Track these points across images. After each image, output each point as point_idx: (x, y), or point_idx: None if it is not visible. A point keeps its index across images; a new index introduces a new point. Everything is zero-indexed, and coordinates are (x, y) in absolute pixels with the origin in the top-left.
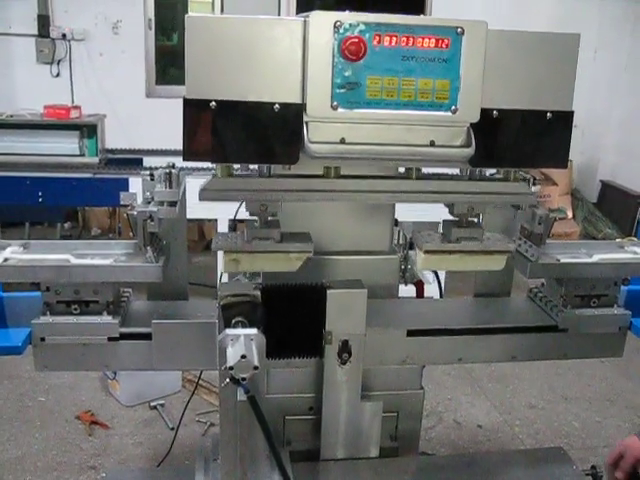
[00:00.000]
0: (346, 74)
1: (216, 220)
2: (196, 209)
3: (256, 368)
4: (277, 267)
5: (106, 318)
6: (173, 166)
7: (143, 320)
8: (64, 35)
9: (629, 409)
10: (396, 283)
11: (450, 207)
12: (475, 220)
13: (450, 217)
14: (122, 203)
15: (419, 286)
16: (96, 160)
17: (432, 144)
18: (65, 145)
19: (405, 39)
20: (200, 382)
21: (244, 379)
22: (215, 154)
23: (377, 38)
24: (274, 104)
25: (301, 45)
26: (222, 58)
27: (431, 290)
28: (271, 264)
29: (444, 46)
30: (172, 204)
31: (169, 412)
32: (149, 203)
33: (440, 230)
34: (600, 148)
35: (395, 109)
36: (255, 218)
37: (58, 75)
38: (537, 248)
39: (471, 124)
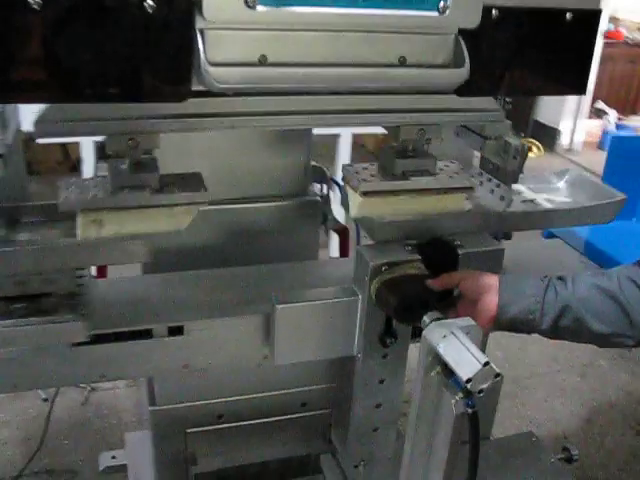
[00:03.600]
0: None
1: (78, 143)
2: None
3: (497, 376)
4: (157, 227)
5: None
6: None
7: None
8: None
9: None
10: (316, 233)
11: (393, 131)
12: (425, 148)
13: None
14: None
15: (343, 234)
16: None
17: (402, 63)
18: None
19: None
20: None
21: (481, 391)
22: (46, 89)
23: None
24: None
25: None
26: None
27: None
28: (148, 224)
29: None
30: None
31: None
32: None
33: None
34: None
35: (346, 7)
36: (122, 160)
37: None
38: (509, 189)
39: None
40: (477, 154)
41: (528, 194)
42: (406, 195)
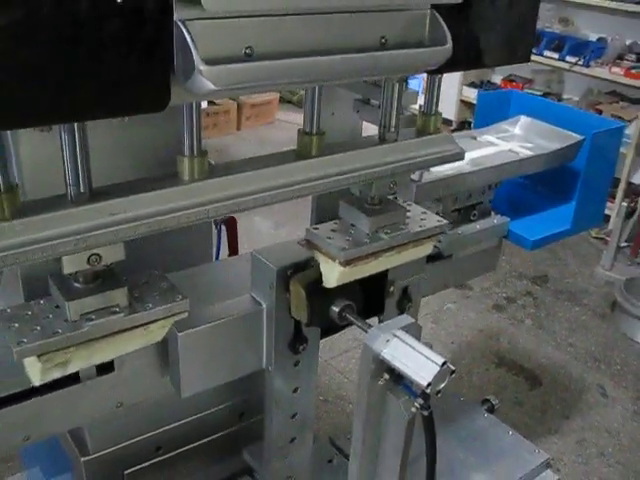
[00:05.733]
0: None
1: None
2: None
3: (453, 372)
4: (129, 348)
5: None
6: None
7: None
8: None
9: None
10: (209, 228)
11: (361, 188)
12: (393, 197)
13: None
14: None
15: (231, 226)
16: None
17: (384, 45)
18: None
19: None
20: None
21: (438, 392)
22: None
23: None
24: None
25: None
26: None
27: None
28: (120, 348)
29: None
30: None
31: None
32: None
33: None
34: None
35: None
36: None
37: None
38: None
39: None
40: (368, 126)
41: (504, 145)
42: (385, 254)
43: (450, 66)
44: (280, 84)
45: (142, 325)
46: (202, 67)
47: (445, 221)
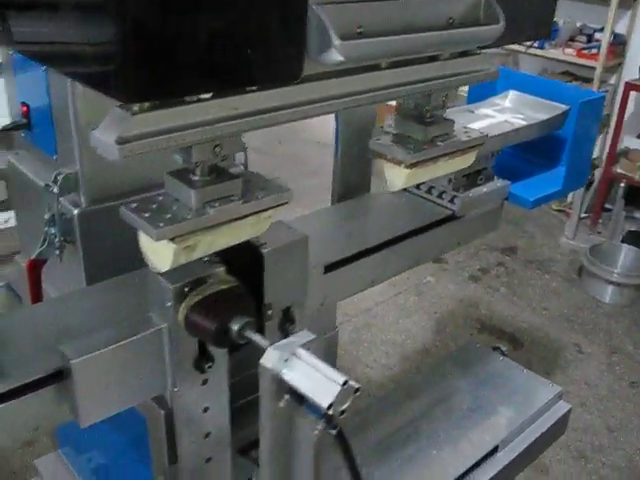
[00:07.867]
0: None
1: None
2: None
3: (357, 391)
4: (242, 237)
5: None
6: None
7: None
8: None
9: None
10: None
11: (419, 99)
12: (444, 112)
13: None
14: None
15: None
16: None
17: (451, 24)
18: None
19: None
20: None
21: (343, 412)
22: (184, 81)
23: None
24: None
25: None
26: None
27: None
28: (235, 236)
29: None
30: None
31: None
32: None
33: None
34: None
35: None
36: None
37: None
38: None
39: None
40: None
41: (500, 117)
42: (441, 160)
43: (498, 41)
44: (382, 57)
45: (255, 213)
46: (337, 42)
47: (485, 133)
